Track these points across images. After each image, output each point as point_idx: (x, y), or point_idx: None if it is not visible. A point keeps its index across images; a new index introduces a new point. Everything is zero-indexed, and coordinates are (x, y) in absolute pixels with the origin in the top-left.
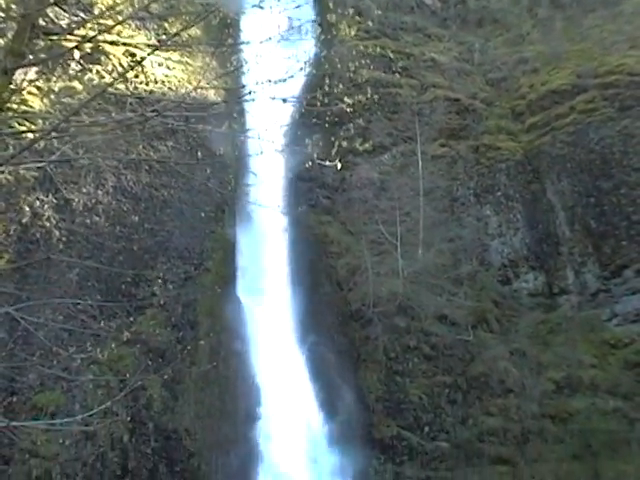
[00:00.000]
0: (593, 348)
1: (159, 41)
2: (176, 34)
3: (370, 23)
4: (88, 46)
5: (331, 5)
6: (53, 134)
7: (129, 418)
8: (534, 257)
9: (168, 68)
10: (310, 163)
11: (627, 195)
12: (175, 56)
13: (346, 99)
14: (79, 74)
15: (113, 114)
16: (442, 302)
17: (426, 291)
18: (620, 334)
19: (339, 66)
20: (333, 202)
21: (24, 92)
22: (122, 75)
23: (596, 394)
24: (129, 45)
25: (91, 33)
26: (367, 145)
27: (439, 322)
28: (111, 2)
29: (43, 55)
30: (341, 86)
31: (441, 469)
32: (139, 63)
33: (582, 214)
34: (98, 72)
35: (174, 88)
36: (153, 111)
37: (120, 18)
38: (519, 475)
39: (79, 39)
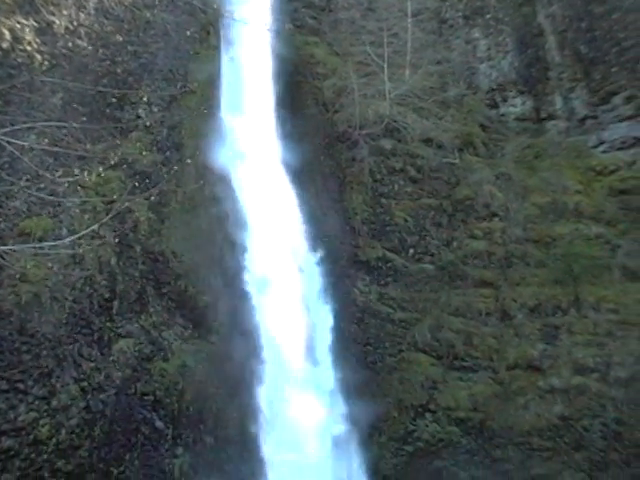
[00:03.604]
0: (578, 174)
1: None
2: None
3: None
4: None
5: None
6: None
7: (117, 240)
8: (522, 81)
9: None
10: None
11: (619, 20)
12: None
13: None
14: None
15: None
16: (429, 125)
17: (413, 113)
18: (606, 161)
19: None
20: (319, 23)
21: None
22: None
23: (580, 220)
24: None
25: None
26: None
27: (425, 145)
28: None
29: None
30: None
31: (425, 291)
32: None
33: (573, 39)
34: None
35: None
36: None
37: None
38: (501, 298)
39: None
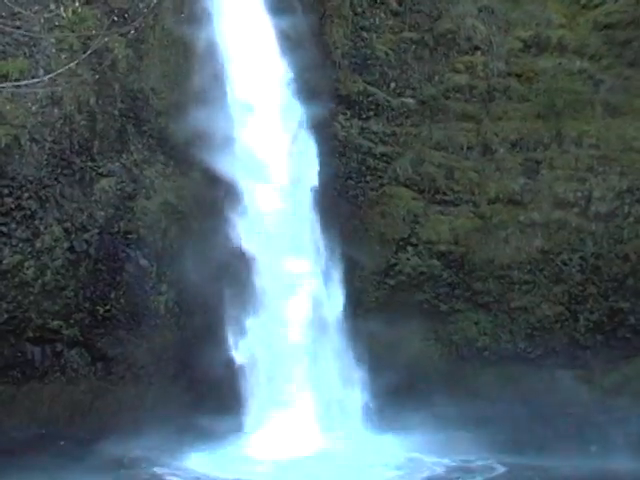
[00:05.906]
0: (563, 7)
1: None
2: None
3: None
4: None
5: None
6: None
7: (95, 78)
8: None
9: None
10: None
11: None
12: None
13: None
14: None
15: None
16: None
17: None
18: None
19: None
20: None
21: None
22: None
23: (563, 54)
24: None
25: None
26: None
27: None
28: None
29: None
30: None
31: (407, 125)
32: None
33: None
34: None
35: None
36: None
37: None
38: (483, 132)
39: None
